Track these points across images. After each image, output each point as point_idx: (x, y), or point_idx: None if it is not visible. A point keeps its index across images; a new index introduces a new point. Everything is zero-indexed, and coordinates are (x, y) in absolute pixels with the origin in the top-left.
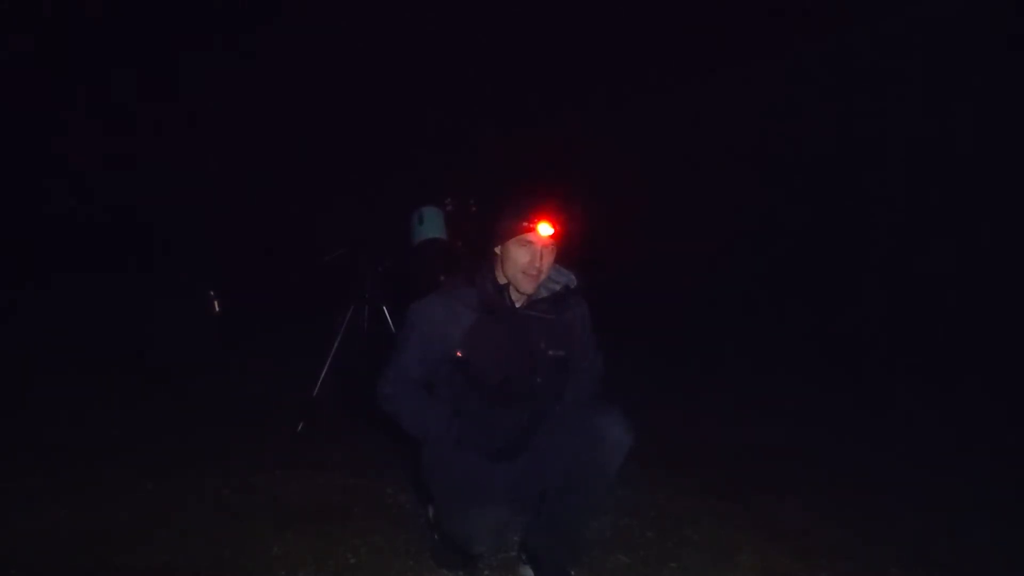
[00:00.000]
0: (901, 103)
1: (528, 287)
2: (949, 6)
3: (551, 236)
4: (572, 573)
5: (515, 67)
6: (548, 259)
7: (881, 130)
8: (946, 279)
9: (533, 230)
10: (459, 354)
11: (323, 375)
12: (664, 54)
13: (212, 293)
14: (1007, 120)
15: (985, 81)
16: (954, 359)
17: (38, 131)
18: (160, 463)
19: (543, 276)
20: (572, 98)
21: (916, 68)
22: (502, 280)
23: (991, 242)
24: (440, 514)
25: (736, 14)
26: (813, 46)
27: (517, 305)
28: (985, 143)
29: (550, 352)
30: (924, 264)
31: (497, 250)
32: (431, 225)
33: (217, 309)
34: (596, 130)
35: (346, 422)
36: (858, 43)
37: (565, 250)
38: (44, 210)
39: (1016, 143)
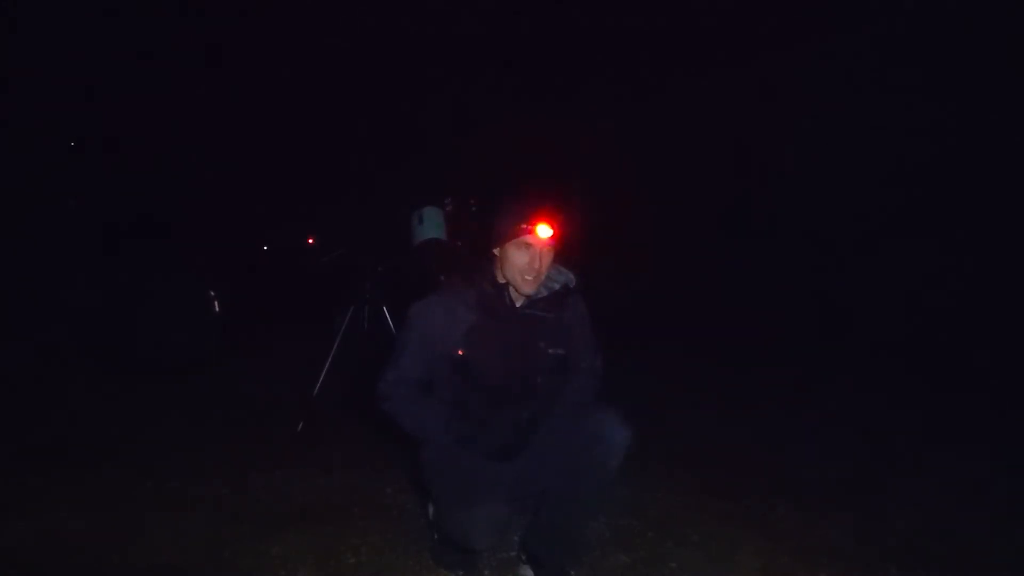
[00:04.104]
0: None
1: (528, 288)
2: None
3: (550, 238)
4: (572, 573)
5: (514, 65)
6: (547, 260)
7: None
8: (942, 278)
9: (532, 232)
10: (459, 354)
11: (323, 375)
12: (667, 50)
13: (212, 293)
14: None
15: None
16: (954, 359)
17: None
18: (160, 463)
19: (541, 277)
20: (572, 96)
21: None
22: (501, 280)
23: (995, 244)
24: (440, 513)
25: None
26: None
27: (517, 305)
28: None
29: (550, 351)
30: (925, 263)
31: (496, 251)
32: (431, 225)
33: (217, 309)
34: (598, 128)
35: (346, 422)
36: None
37: (564, 250)
38: (42, 210)
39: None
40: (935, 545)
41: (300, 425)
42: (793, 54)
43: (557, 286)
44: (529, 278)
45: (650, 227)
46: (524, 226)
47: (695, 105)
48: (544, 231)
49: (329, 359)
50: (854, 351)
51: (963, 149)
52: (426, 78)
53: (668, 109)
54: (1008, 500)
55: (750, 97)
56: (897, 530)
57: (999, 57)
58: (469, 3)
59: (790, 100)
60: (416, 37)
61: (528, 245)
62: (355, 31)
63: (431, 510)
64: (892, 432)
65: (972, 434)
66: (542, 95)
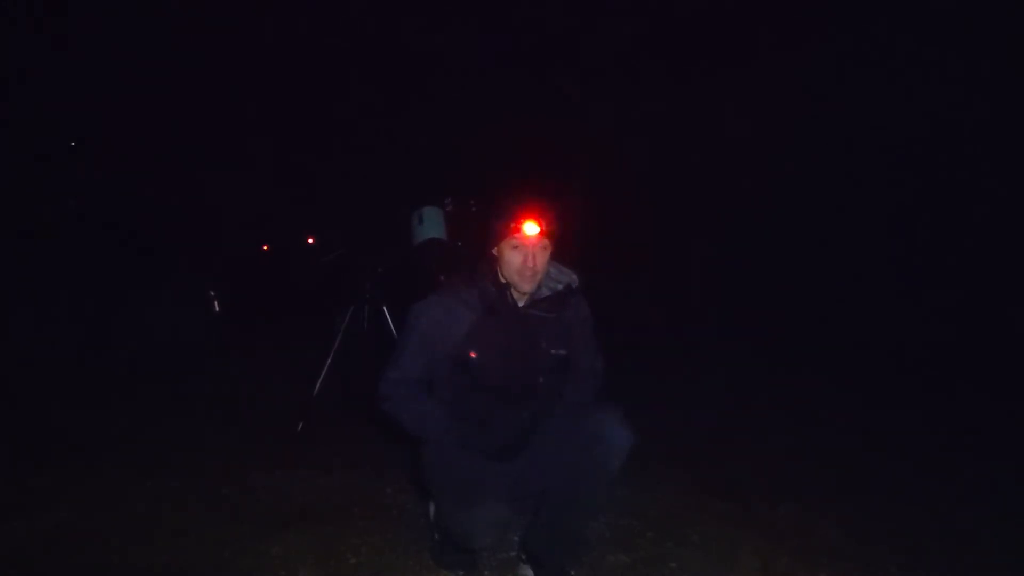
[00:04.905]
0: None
1: (526, 287)
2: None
3: (539, 235)
4: (572, 573)
5: (514, 64)
6: (541, 258)
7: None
8: (942, 278)
9: (520, 231)
10: (460, 354)
11: (323, 375)
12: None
13: (212, 293)
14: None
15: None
16: (955, 359)
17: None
18: (160, 463)
19: (539, 275)
20: (572, 96)
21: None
22: (503, 280)
23: (995, 243)
24: (440, 513)
25: (736, 11)
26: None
27: (519, 304)
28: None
29: (552, 351)
30: (924, 264)
31: (495, 251)
32: (431, 225)
33: (217, 309)
34: (598, 128)
35: (346, 422)
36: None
37: (564, 249)
38: (40, 210)
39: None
40: (935, 545)
41: (300, 425)
42: (793, 54)
43: (559, 286)
44: (525, 276)
45: (650, 227)
46: (512, 225)
47: (695, 105)
48: (531, 228)
49: (329, 359)
50: (854, 352)
51: (962, 149)
52: (426, 77)
53: (668, 109)
54: (1008, 500)
55: (750, 97)
56: (897, 530)
57: (1000, 58)
58: (470, 2)
59: (789, 100)
60: (416, 36)
61: (520, 244)
62: (355, 31)
63: (431, 510)
64: (892, 432)
65: (972, 434)
66: (542, 95)
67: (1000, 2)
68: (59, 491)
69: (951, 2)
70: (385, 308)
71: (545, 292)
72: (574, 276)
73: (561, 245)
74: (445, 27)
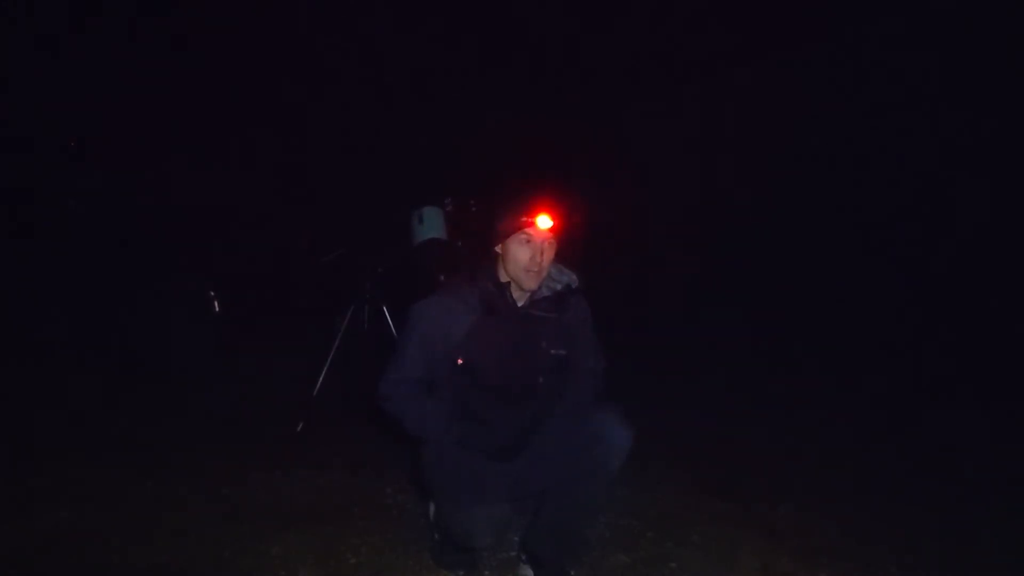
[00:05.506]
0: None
1: (531, 284)
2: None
3: (551, 229)
4: (572, 573)
5: (514, 64)
6: (549, 254)
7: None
8: (943, 280)
9: (532, 224)
10: (460, 354)
11: (323, 375)
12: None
13: (212, 293)
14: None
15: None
16: (955, 359)
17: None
18: (160, 463)
19: (545, 272)
20: (573, 96)
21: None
22: (503, 279)
23: (997, 245)
24: (440, 513)
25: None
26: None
27: (519, 304)
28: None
29: (552, 351)
30: (926, 264)
31: (498, 249)
32: (431, 225)
33: (217, 309)
34: (598, 128)
35: (346, 422)
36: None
37: (566, 249)
38: (40, 210)
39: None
40: (935, 545)
41: (300, 425)
42: (793, 54)
43: (559, 286)
44: (532, 273)
45: (650, 227)
46: (524, 219)
47: (695, 105)
48: (544, 222)
49: (329, 359)
50: (855, 352)
51: (962, 150)
52: (425, 76)
53: (667, 109)
54: (1008, 500)
55: (750, 97)
56: (897, 530)
57: (1000, 59)
58: (470, 2)
59: (789, 100)
60: (416, 36)
61: (529, 239)
62: (354, 30)
63: (431, 510)
64: (892, 432)
65: (972, 435)
66: (543, 95)
67: (1000, 2)
68: (59, 491)
69: (951, 2)
70: (385, 308)
71: (545, 292)
72: (574, 276)
73: (563, 245)
74: (445, 26)
